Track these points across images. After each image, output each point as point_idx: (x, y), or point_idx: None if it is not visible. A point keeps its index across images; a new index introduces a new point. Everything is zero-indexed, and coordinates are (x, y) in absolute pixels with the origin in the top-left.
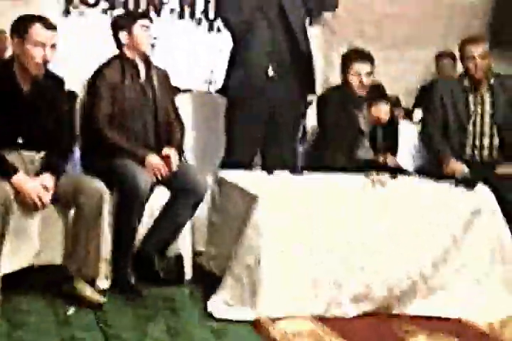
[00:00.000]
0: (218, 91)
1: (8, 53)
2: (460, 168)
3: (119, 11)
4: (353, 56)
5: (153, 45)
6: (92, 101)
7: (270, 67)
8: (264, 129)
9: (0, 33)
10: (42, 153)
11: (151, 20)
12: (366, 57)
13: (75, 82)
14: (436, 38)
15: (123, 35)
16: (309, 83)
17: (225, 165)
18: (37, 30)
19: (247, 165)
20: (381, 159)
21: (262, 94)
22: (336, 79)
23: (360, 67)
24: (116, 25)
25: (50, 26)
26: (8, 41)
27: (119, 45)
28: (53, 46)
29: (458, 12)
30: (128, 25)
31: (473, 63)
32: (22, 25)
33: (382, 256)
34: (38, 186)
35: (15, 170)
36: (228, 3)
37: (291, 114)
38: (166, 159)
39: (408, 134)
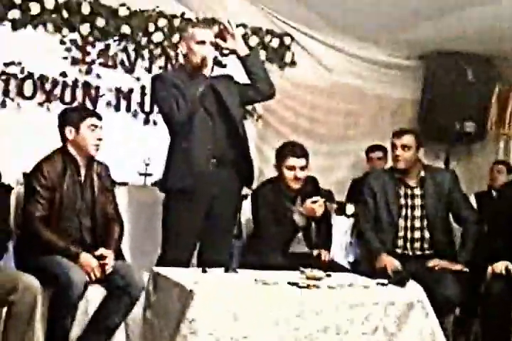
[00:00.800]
0: (155, 184)
1: None
2: (391, 263)
3: (56, 104)
4: (288, 150)
5: (98, 146)
6: (29, 200)
7: (210, 161)
8: (202, 223)
9: None
10: None
11: (100, 119)
12: (300, 151)
13: (10, 175)
14: (366, 131)
15: (68, 131)
16: (247, 176)
17: (163, 262)
18: None
19: (186, 262)
20: (315, 253)
21: (201, 187)
22: (270, 172)
23: (295, 162)
24: (64, 119)
25: None
26: None
27: (64, 139)
28: None
29: (387, 106)
30: (75, 122)
31: (395, 154)
32: None
33: None
34: None
35: None
36: (167, 99)
37: (229, 208)
38: (102, 258)
39: (341, 228)
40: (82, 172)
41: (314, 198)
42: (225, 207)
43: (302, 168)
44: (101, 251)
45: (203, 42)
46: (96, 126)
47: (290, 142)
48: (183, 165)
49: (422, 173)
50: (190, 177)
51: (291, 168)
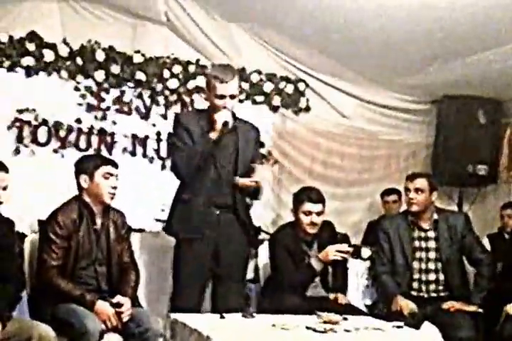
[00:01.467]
0: (164, 229)
1: None
2: (407, 305)
3: (71, 151)
4: (305, 196)
5: (113, 194)
6: (44, 249)
7: (213, 210)
8: (209, 269)
9: None
10: None
11: (116, 167)
12: (317, 197)
13: (24, 222)
14: (380, 175)
15: (83, 180)
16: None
17: (173, 307)
18: None
19: (195, 307)
20: (332, 297)
21: (205, 233)
22: (287, 217)
23: (311, 207)
24: (79, 168)
25: (1, 168)
26: None
27: (79, 187)
28: (5, 188)
29: (401, 150)
30: (90, 171)
31: (409, 197)
32: None
33: None
34: None
35: None
36: (179, 150)
37: (237, 254)
38: (118, 306)
39: (357, 271)
40: (98, 220)
41: (339, 246)
42: (233, 252)
43: (318, 214)
44: (118, 298)
45: (222, 97)
46: (111, 175)
47: (307, 187)
48: (185, 211)
49: (435, 216)
50: (192, 224)
51: (308, 213)
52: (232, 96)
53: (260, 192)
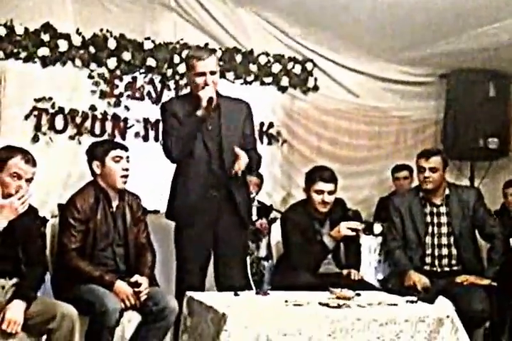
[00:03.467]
0: (165, 216)
1: None
2: (420, 280)
3: (87, 137)
4: (317, 175)
5: (126, 177)
6: (64, 233)
7: (208, 191)
8: (208, 249)
9: None
10: (14, 280)
11: (125, 150)
12: (329, 176)
13: (44, 207)
14: (390, 152)
15: (95, 165)
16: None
17: (178, 287)
18: (15, 163)
19: (199, 287)
20: (345, 273)
21: (202, 215)
22: (299, 195)
23: (323, 186)
24: (90, 155)
25: (29, 161)
26: None
27: (93, 173)
28: (29, 180)
29: (410, 126)
30: (101, 156)
31: (423, 176)
32: (2, 156)
33: None
34: (9, 314)
35: None
36: (169, 134)
37: (234, 234)
38: (136, 286)
39: (370, 247)
40: (114, 203)
41: (350, 223)
42: (230, 232)
43: (330, 193)
44: (135, 278)
45: (203, 74)
46: (121, 157)
47: (320, 166)
48: (182, 194)
49: (447, 191)
50: (190, 205)
51: (320, 192)
52: (212, 72)
53: (254, 165)
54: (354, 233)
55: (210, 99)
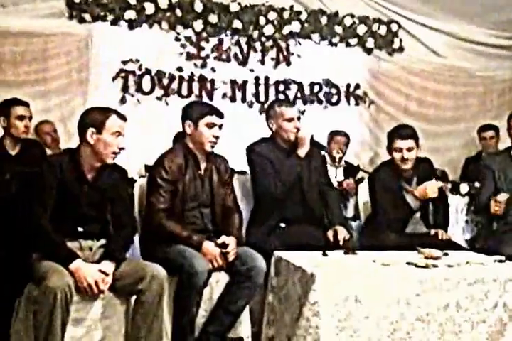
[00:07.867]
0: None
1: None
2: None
3: (174, 98)
4: (395, 133)
5: (214, 143)
6: (152, 193)
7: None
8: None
9: (49, 123)
10: (101, 241)
11: (221, 117)
12: (406, 132)
13: (131, 168)
14: (475, 112)
15: (187, 125)
16: None
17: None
18: (114, 121)
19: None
20: (433, 233)
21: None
22: (384, 155)
23: (401, 144)
24: (185, 114)
25: (122, 117)
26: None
27: (184, 132)
28: (123, 136)
29: (495, 87)
30: (195, 118)
31: None
32: (99, 118)
33: (436, 329)
34: (96, 272)
35: (74, 257)
36: (263, 177)
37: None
38: (224, 247)
39: (457, 207)
40: (202, 165)
41: (430, 183)
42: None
43: (409, 149)
44: (223, 238)
45: (291, 120)
46: (215, 124)
47: (400, 125)
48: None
49: None
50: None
51: (399, 150)
52: (298, 118)
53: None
54: (436, 194)
55: (312, 137)
